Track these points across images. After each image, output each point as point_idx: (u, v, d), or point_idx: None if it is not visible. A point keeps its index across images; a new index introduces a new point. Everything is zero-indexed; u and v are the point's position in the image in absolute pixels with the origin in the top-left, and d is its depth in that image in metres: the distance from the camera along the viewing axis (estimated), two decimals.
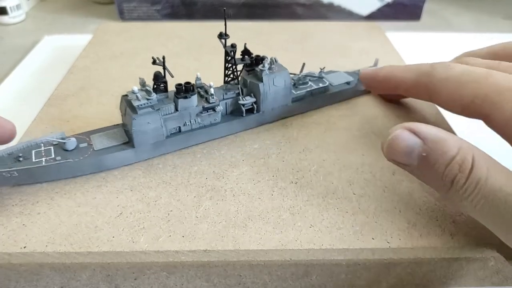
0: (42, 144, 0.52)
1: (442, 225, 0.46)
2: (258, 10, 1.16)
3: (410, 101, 0.70)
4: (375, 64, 0.78)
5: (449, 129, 0.63)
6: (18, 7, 1.14)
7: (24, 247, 0.43)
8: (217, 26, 0.93)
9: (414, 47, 1.01)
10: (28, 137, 0.59)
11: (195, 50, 0.86)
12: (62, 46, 0.99)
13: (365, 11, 1.18)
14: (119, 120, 0.63)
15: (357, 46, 0.84)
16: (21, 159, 0.49)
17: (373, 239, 0.45)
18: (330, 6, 1.17)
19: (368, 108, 0.68)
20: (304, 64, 0.68)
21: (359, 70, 0.75)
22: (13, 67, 0.91)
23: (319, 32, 0.97)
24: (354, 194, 0.51)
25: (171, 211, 0.48)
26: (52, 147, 0.52)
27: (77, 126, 0.62)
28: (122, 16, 1.15)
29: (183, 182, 0.52)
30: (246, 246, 0.43)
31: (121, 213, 0.47)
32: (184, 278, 0.45)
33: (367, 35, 0.94)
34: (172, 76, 0.55)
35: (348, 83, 0.70)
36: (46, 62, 0.92)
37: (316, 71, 0.69)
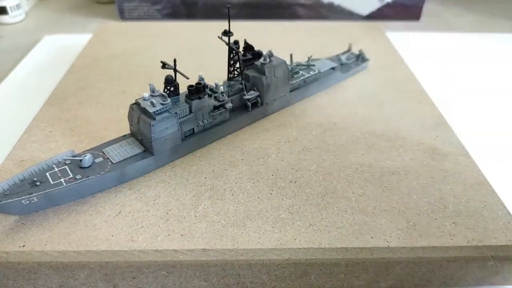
0: (54, 165, 0.49)
1: (441, 226, 0.46)
2: (259, 10, 1.16)
3: (409, 102, 0.70)
4: (349, 49, 0.83)
5: (447, 126, 0.63)
6: (18, 6, 1.14)
7: (23, 246, 0.43)
8: (218, 26, 0.93)
9: (414, 47, 1.01)
10: (27, 135, 0.59)
11: (195, 50, 0.86)
12: (62, 46, 0.99)
13: (365, 11, 1.18)
14: (118, 119, 0.63)
15: (357, 46, 0.84)
16: (38, 183, 0.46)
17: (372, 238, 0.44)
18: (330, 6, 1.17)
19: (367, 108, 0.68)
20: (291, 54, 0.70)
21: (338, 55, 0.81)
22: (13, 66, 0.91)
23: (320, 32, 0.97)
24: (353, 193, 0.50)
25: (170, 210, 0.48)
26: (66, 167, 0.49)
27: (76, 125, 0.62)
28: (123, 15, 1.15)
29: (182, 181, 0.52)
30: (245, 245, 0.43)
31: (119, 212, 0.47)
32: (182, 277, 0.45)
33: (367, 35, 0.94)
34: (188, 78, 0.54)
35: (333, 68, 0.74)
36: (46, 61, 0.92)
37: (302, 60, 0.73)
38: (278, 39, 0.92)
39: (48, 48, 0.98)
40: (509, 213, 0.48)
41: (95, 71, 0.78)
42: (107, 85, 0.73)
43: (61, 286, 0.45)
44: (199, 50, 0.86)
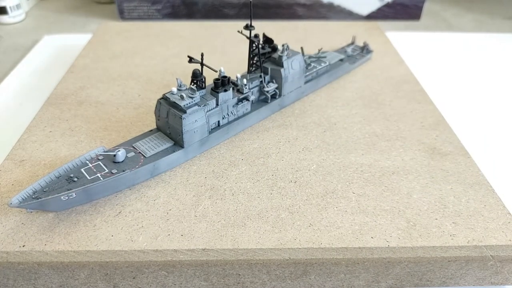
0: (88, 161, 0.50)
1: (441, 226, 0.46)
2: (259, 10, 1.16)
3: (409, 102, 0.70)
4: (353, 42, 0.85)
5: (447, 126, 0.63)
6: (18, 6, 1.14)
7: (23, 246, 0.43)
8: (218, 26, 0.93)
9: (414, 47, 1.01)
10: (27, 135, 0.59)
11: (195, 50, 0.86)
12: (62, 46, 0.99)
13: (365, 11, 1.18)
14: (118, 119, 0.63)
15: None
16: (75, 179, 0.47)
17: (372, 238, 0.44)
18: (330, 6, 1.17)
19: (367, 108, 0.68)
20: (302, 48, 0.71)
21: (343, 48, 0.83)
22: (13, 66, 0.91)
23: (319, 32, 0.97)
24: (354, 193, 0.50)
25: (170, 210, 0.48)
26: (100, 162, 0.50)
27: (76, 125, 0.62)
28: (122, 15, 1.15)
29: (182, 181, 0.52)
30: (245, 245, 0.43)
31: (120, 212, 0.47)
32: (182, 277, 0.45)
33: (367, 35, 0.94)
34: (216, 71, 0.56)
35: (341, 60, 0.77)
36: (46, 61, 0.92)
37: (311, 53, 0.76)
38: (278, 39, 0.92)
39: (48, 48, 0.98)
40: (509, 213, 0.48)
41: (95, 71, 0.78)
42: (107, 85, 0.73)
43: (61, 286, 0.45)
44: (199, 50, 0.86)
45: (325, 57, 0.75)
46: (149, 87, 0.73)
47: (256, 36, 0.61)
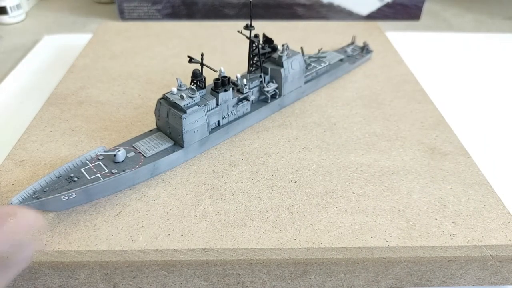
0: (88, 161, 0.50)
1: (441, 226, 0.46)
2: (259, 10, 1.16)
3: (409, 102, 0.70)
4: (353, 42, 0.85)
5: (447, 126, 0.63)
6: (18, 6, 1.14)
7: None
8: (218, 26, 0.93)
9: (414, 47, 1.01)
10: (27, 135, 0.59)
11: (195, 50, 0.86)
12: (62, 46, 0.99)
13: (365, 11, 1.18)
14: (118, 119, 0.63)
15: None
16: (75, 179, 0.47)
17: (372, 238, 0.44)
18: (330, 6, 1.17)
19: (367, 108, 0.68)
20: (302, 48, 0.72)
21: (343, 48, 0.83)
22: (13, 66, 0.91)
23: (319, 32, 0.97)
24: (353, 193, 0.50)
25: (170, 210, 0.48)
26: (100, 162, 0.50)
27: (76, 125, 0.62)
28: (123, 15, 1.15)
29: (182, 181, 0.52)
30: (245, 245, 0.43)
31: (120, 212, 0.47)
32: (182, 277, 0.45)
33: (367, 35, 0.94)
34: (216, 71, 0.56)
35: (341, 60, 0.77)
36: (46, 61, 0.92)
37: (311, 53, 0.77)
38: (278, 39, 0.92)
39: (48, 48, 0.98)
40: (509, 213, 0.48)
41: (95, 71, 0.78)
42: (107, 85, 0.73)
43: (61, 286, 0.45)
44: (199, 50, 0.86)
45: (325, 57, 0.75)
46: (149, 87, 0.73)
47: (256, 36, 0.61)
